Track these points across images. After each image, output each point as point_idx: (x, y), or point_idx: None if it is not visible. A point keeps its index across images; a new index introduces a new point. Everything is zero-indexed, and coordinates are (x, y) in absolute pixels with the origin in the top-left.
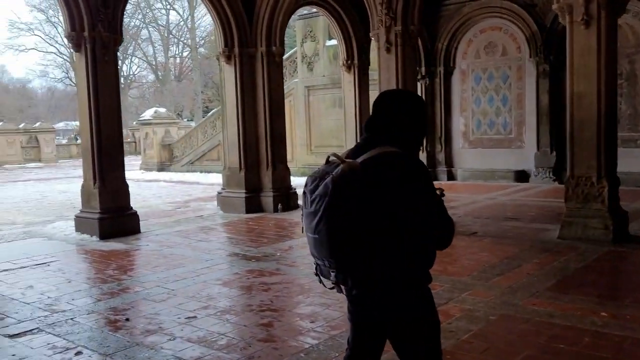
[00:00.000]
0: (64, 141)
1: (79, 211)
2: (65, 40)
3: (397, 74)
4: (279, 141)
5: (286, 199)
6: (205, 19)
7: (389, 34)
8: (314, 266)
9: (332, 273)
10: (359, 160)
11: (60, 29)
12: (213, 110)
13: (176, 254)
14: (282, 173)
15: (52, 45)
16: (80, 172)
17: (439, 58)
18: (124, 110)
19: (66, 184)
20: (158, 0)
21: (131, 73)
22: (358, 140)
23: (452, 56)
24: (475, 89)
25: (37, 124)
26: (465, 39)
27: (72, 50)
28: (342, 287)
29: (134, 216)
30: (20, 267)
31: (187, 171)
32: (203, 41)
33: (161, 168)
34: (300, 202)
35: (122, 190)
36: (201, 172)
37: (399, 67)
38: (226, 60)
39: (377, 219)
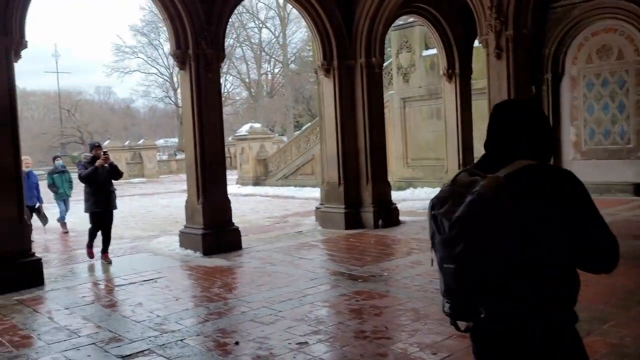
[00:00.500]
0: (165, 157)
1: (182, 226)
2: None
3: (509, 82)
4: (378, 155)
5: (387, 214)
6: (296, 36)
7: (499, 39)
8: (444, 305)
9: (470, 310)
10: (500, 174)
11: (161, 51)
12: (307, 125)
13: (279, 272)
14: (382, 188)
15: (153, 67)
16: (180, 186)
17: (546, 64)
18: None
19: (168, 199)
20: (251, 20)
21: (226, 90)
22: (472, 155)
23: (560, 62)
24: (587, 96)
25: (141, 141)
26: (575, 43)
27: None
28: (476, 326)
29: (236, 232)
30: (130, 283)
31: (282, 185)
32: (294, 57)
33: (256, 182)
34: (401, 218)
35: (224, 206)
36: (295, 186)
37: (511, 74)
38: (325, 73)
39: (534, 240)
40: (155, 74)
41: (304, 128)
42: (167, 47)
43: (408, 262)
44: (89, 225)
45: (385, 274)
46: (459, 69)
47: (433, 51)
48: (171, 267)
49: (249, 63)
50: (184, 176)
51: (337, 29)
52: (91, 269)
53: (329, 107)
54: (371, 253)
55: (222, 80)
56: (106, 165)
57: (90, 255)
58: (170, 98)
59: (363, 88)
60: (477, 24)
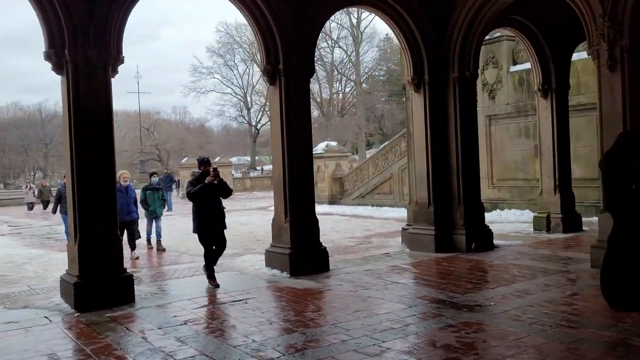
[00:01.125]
0: (238, 175)
1: (268, 245)
2: (240, 81)
3: (624, 96)
4: (471, 174)
5: (480, 237)
6: (368, 55)
7: (612, 50)
8: None
9: None
10: None
11: (235, 72)
12: (385, 143)
13: (374, 297)
14: (475, 209)
15: (228, 87)
16: (256, 204)
17: None
18: None
19: (246, 216)
20: (324, 39)
21: None
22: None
23: None
24: None
25: (217, 159)
26: None
27: (246, 91)
28: None
29: (324, 253)
30: (220, 303)
31: (358, 204)
32: (366, 76)
33: (332, 201)
34: (495, 241)
35: (312, 225)
36: (372, 205)
37: (626, 88)
38: (414, 88)
39: None
40: (230, 94)
41: (381, 146)
42: (241, 67)
43: (514, 291)
44: (182, 244)
45: (492, 304)
46: (555, 84)
47: (522, 66)
48: (259, 287)
49: (321, 82)
50: (258, 194)
51: (427, 42)
52: (179, 287)
53: (419, 124)
54: (470, 279)
55: None
56: (215, 182)
57: (215, 284)
58: (243, 117)
59: (455, 104)
60: (586, 34)
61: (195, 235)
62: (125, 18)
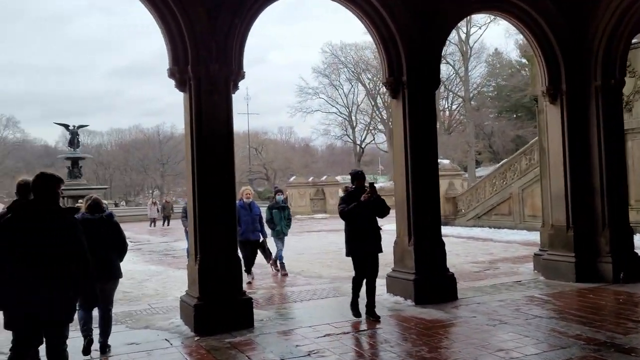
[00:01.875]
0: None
1: (390, 270)
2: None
3: None
4: (617, 194)
5: (630, 266)
6: (476, 71)
7: None
8: None
9: None
10: None
11: (340, 91)
12: (503, 161)
13: (516, 334)
14: (623, 233)
15: (333, 106)
16: None
17: None
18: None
19: None
20: None
21: None
22: None
23: None
24: None
25: (324, 178)
26: None
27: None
28: None
29: (452, 279)
30: (344, 333)
31: (474, 226)
32: (475, 92)
33: (445, 222)
34: None
35: (439, 248)
36: (490, 227)
37: None
38: (550, 99)
39: None
40: (335, 113)
41: (499, 164)
42: (346, 87)
43: None
44: (295, 264)
45: None
46: None
47: None
48: (383, 316)
49: None
50: None
51: (565, 48)
52: (298, 311)
53: (555, 138)
54: (627, 316)
55: None
56: (372, 198)
57: (357, 313)
58: (348, 136)
59: (598, 115)
60: None
61: (307, 255)
62: (246, 33)
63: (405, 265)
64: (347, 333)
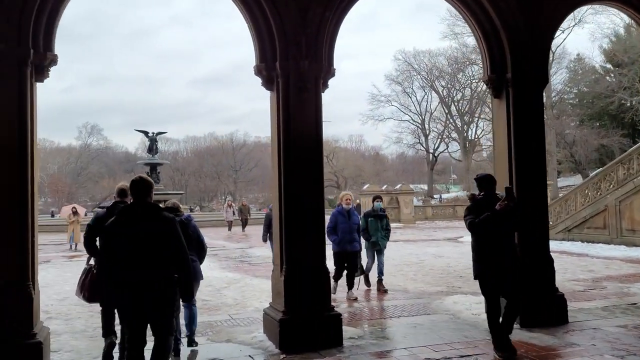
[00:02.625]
0: (418, 203)
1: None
2: (418, 108)
3: None
4: None
5: None
6: (556, 79)
7: None
8: None
9: None
10: None
11: (414, 99)
12: (597, 171)
13: None
14: None
15: (405, 114)
16: (442, 234)
17: None
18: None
19: (435, 247)
20: None
21: (475, 137)
22: None
23: None
24: None
25: (398, 186)
26: None
27: (424, 118)
28: None
29: (561, 300)
30: (445, 358)
31: (563, 239)
32: (556, 99)
33: None
34: None
35: (546, 265)
36: (581, 241)
37: None
38: None
39: None
40: (408, 121)
41: (593, 174)
42: (419, 94)
43: None
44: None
45: None
46: None
47: None
48: (486, 339)
49: None
50: (440, 223)
51: None
52: (390, 331)
53: None
54: None
55: (472, 126)
56: (510, 206)
57: (509, 355)
58: (421, 144)
59: None
60: None
61: (387, 267)
62: (337, 28)
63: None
64: (450, 358)
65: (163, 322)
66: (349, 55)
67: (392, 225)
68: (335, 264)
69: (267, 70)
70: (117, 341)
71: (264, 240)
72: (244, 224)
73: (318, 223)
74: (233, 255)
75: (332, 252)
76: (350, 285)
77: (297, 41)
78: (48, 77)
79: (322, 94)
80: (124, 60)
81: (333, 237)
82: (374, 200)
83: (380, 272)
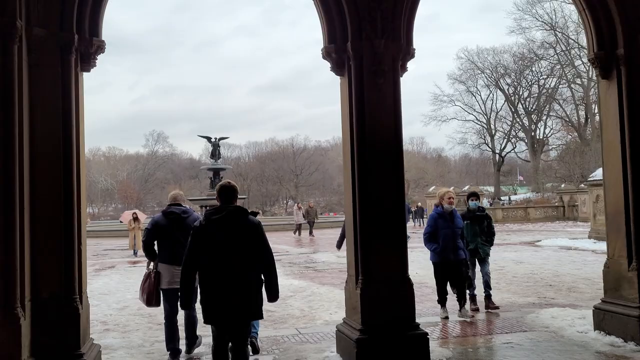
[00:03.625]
0: (487, 205)
1: (599, 301)
2: (483, 107)
3: None
4: None
5: None
6: None
7: None
8: None
9: None
10: None
11: (478, 98)
12: None
13: None
14: None
15: (470, 114)
16: (517, 238)
17: None
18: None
19: (513, 252)
20: (578, 58)
21: (544, 135)
22: None
23: None
24: None
25: (466, 188)
26: None
27: (489, 117)
28: None
29: None
30: None
31: None
32: None
33: None
34: None
35: None
36: None
37: None
38: None
39: None
40: (472, 121)
41: None
42: (484, 93)
43: None
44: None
45: None
46: None
47: None
48: None
49: (577, 103)
50: (512, 226)
51: None
52: (486, 354)
53: None
54: None
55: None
56: None
57: None
58: (487, 144)
59: None
60: None
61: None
62: (416, 1)
63: (622, 296)
64: None
65: (246, 324)
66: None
67: None
68: (437, 277)
69: (336, 53)
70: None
71: (338, 247)
72: (312, 226)
73: (399, 228)
74: (297, 260)
75: (431, 264)
76: (461, 300)
77: (371, 17)
78: (95, 66)
79: (401, 78)
80: (191, 70)
81: (433, 246)
82: (468, 198)
83: (487, 286)
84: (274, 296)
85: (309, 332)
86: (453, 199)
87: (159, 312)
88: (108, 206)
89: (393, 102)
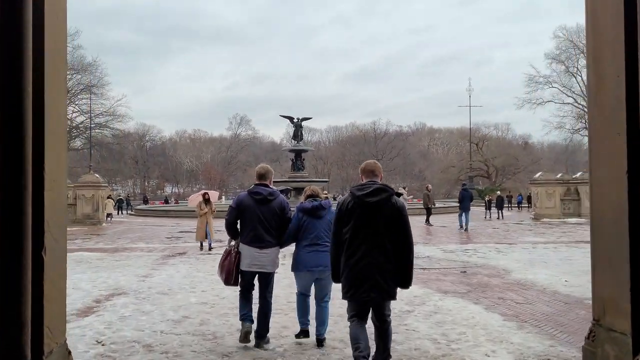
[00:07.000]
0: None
1: None
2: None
3: None
4: None
5: None
6: None
7: None
8: None
9: None
10: None
11: (579, 78)
12: None
13: None
14: None
15: (569, 97)
16: None
17: None
18: None
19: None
20: None
21: None
22: None
23: None
24: None
25: (578, 174)
26: None
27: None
28: None
29: None
30: None
31: None
32: None
33: None
34: None
35: None
36: None
37: None
38: None
39: None
40: (571, 104)
41: None
42: (584, 74)
43: None
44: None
45: None
46: None
47: None
48: None
49: None
50: None
51: None
52: None
53: None
54: None
55: None
56: None
57: None
58: (587, 129)
59: None
60: None
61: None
62: None
63: None
64: None
65: (386, 305)
66: (500, 44)
67: (571, 220)
68: None
69: None
70: (254, 329)
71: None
72: (429, 213)
73: None
74: None
75: None
76: None
77: None
78: None
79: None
80: (284, 60)
81: None
82: None
83: None
84: (407, 284)
85: None
86: None
87: (226, 332)
88: (193, 187)
89: None
